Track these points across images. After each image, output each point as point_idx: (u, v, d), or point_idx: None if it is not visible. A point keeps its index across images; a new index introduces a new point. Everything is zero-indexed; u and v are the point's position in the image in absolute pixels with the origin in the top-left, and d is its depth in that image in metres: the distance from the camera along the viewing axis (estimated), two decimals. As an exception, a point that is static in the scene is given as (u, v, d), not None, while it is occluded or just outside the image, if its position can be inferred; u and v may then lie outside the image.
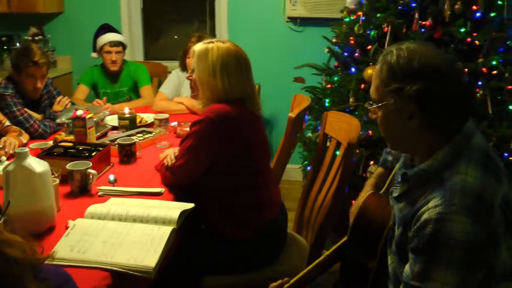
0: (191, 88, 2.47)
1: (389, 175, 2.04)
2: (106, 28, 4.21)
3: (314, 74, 4.01)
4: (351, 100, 3.45)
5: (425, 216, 1.41)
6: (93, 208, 2.05)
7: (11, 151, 2.72)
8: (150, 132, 3.17)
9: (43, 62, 3.29)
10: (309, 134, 3.83)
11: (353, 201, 2.02)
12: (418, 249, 1.44)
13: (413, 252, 1.46)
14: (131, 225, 1.95)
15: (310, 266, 1.92)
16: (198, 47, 2.36)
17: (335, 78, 3.77)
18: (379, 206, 1.83)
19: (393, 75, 1.51)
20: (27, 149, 1.88)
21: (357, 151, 3.31)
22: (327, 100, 3.67)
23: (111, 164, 2.66)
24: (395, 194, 1.66)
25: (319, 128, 3.74)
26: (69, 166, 2.30)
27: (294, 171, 4.29)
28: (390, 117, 1.56)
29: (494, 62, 3.19)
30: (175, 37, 5.39)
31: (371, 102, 1.68)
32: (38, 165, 1.88)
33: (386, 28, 3.35)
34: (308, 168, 3.88)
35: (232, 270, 2.36)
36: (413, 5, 3.30)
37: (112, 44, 4.11)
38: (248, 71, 2.38)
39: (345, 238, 1.92)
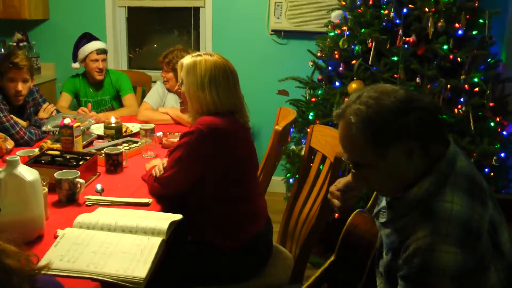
0: (180, 103, 2.48)
1: None
2: (89, 37, 4.17)
3: (297, 87, 4.04)
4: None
5: (413, 245, 1.42)
6: (82, 218, 2.05)
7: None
8: (136, 142, 3.17)
9: (23, 64, 3.23)
10: (293, 147, 3.85)
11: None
12: (408, 277, 1.44)
13: (403, 280, 1.47)
14: (121, 235, 1.95)
15: None
16: (186, 60, 2.38)
17: (319, 92, 3.80)
18: (366, 226, 1.83)
19: (376, 123, 1.46)
20: (18, 157, 1.87)
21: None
22: (311, 114, 3.70)
23: (98, 173, 2.66)
24: (382, 220, 1.66)
25: (303, 140, 3.79)
26: (57, 174, 2.29)
27: (276, 183, 4.30)
28: (391, 167, 1.51)
29: (476, 79, 3.25)
30: (155, 45, 5.40)
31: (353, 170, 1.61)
32: (28, 173, 1.88)
33: (370, 44, 3.41)
34: (291, 180, 3.91)
35: (218, 282, 2.36)
36: (397, 21, 3.36)
37: (98, 52, 4.08)
38: (236, 83, 2.40)
39: (332, 258, 1.92)
